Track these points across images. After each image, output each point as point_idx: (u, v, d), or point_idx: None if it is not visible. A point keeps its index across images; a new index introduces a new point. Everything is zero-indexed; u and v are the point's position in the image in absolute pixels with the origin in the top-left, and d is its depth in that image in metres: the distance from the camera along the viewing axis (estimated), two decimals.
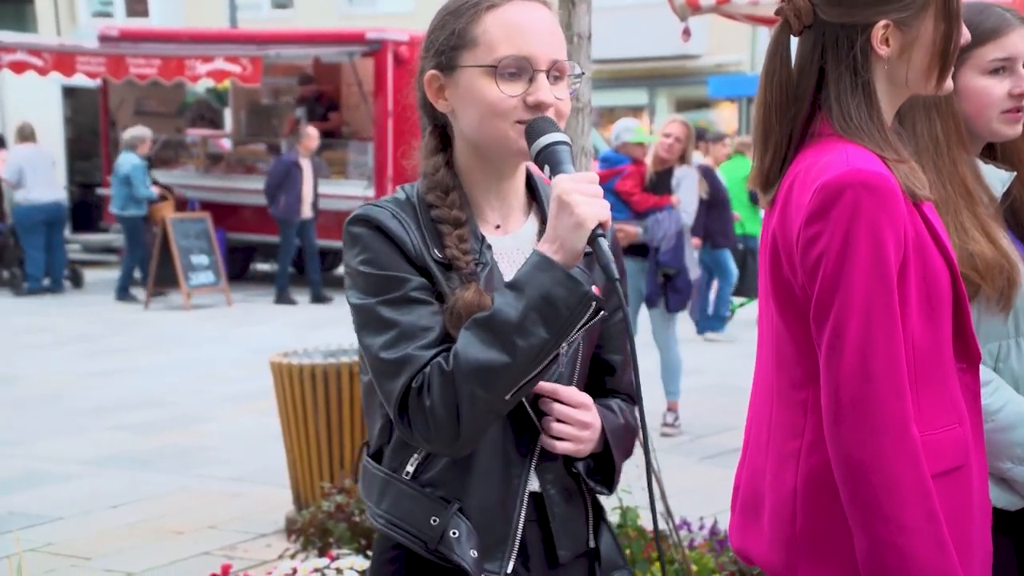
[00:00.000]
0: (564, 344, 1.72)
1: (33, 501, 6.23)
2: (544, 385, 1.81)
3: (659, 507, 4.03)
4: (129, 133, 14.59)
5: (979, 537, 1.98)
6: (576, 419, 1.82)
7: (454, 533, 1.75)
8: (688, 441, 7.33)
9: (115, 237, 17.70)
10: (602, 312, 1.73)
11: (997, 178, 2.36)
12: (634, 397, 1.99)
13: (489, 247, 1.82)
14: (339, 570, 3.80)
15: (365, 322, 1.75)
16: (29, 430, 7.82)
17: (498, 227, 1.86)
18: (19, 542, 4.68)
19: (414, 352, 1.69)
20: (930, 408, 1.89)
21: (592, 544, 1.94)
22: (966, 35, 1.99)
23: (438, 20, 1.83)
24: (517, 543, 1.82)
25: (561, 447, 1.82)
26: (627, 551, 4.31)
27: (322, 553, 4.16)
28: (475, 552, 1.75)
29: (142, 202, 14.24)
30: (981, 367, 2.14)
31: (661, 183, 7.49)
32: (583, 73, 1.89)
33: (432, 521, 1.75)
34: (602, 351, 1.97)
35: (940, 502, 1.86)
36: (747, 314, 12.82)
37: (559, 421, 1.81)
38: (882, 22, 1.90)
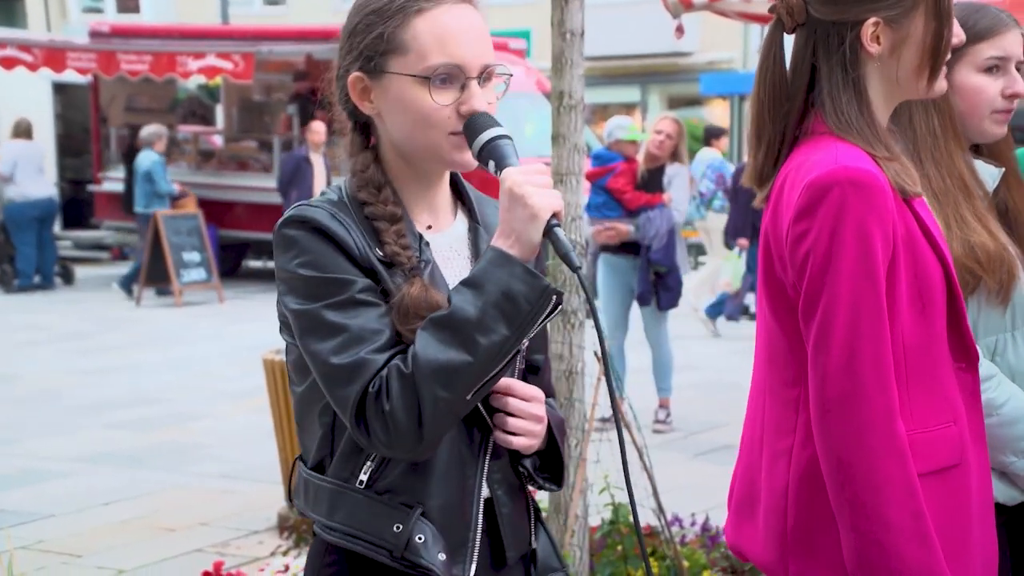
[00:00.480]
0: (525, 340, 1.70)
1: (26, 498, 6.21)
2: (513, 384, 1.80)
3: (651, 504, 4.05)
4: (146, 131, 14.51)
5: (980, 536, 1.98)
6: (530, 413, 1.79)
7: (420, 538, 1.70)
8: (681, 438, 7.33)
9: (106, 234, 17.98)
10: (561, 306, 1.70)
11: (988, 174, 2.38)
12: (554, 396, 1.98)
13: (427, 244, 1.78)
14: None
15: (310, 328, 1.68)
16: (24, 427, 7.80)
17: (430, 227, 1.82)
18: (10, 540, 4.67)
19: (367, 356, 1.64)
20: (923, 406, 1.90)
21: (533, 545, 1.91)
22: (959, 35, 2.01)
23: (361, 19, 1.76)
24: (478, 544, 1.79)
25: (517, 442, 1.79)
26: (619, 547, 4.34)
27: None
28: (443, 555, 1.72)
29: (164, 198, 14.18)
30: (983, 361, 2.15)
31: (653, 181, 7.48)
32: (512, 74, 1.85)
33: (396, 528, 1.71)
34: (527, 351, 1.92)
35: (934, 501, 1.87)
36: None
37: (511, 416, 1.78)
38: (872, 19, 1.91)
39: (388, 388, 1.62)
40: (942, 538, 1.86)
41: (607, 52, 21.80)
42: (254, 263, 17.11)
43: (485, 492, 1.80)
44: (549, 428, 1.85)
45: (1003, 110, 2.36)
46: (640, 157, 7.66)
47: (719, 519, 4.24)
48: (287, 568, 3.91)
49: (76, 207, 18.09)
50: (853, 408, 1.82)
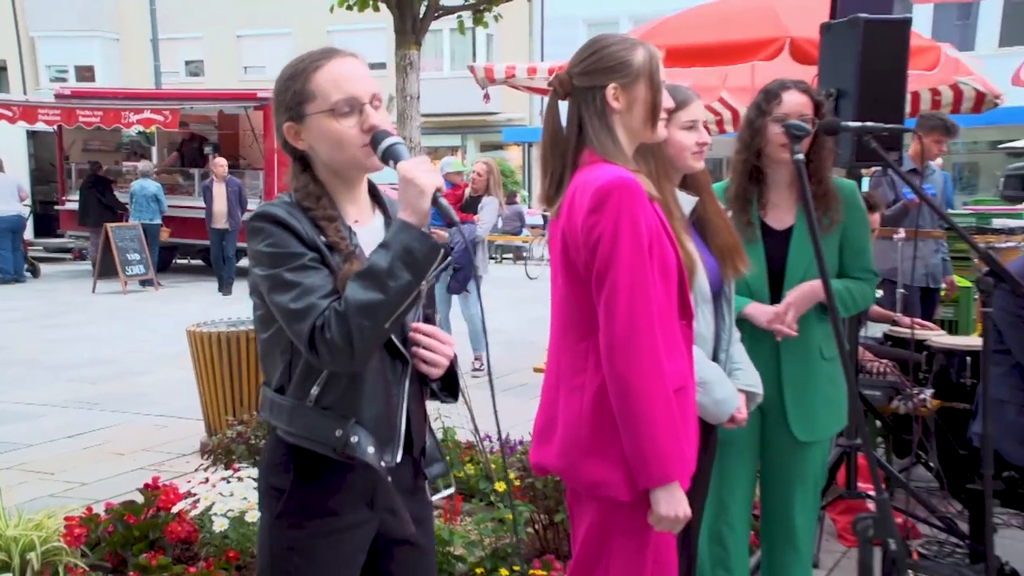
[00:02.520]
0: (424, 283, 1.69)
1: (10, 433, 5.93)
2: (424, 327, 1.82)
3: (470, 427, 4.08)
4: (144, 166, 14.51)
5: (692, 436, 2.06)
6: (444, 352, 1.82)
7: (355, 438, 1.71)
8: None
9: (68, 240, 17.57)
10: (450, 258, 1.73)
11: (686, 201, 2.44)
12: None
13: (355, 234, 1.78)
14: (240, 478, 3.72)
15: (273, 286, 1.67)
16: (8, 382, 7.42)
17: (356, 222, 1.82)
18: None
19: (315, 301, 1.64)
20: (667, 346, 1.94)
21: (427, 442, 1.93)
22: (668, 101, 2.07)
23: (281, 85, 1.76)
24: (401, 439, 1.80)
25: (434, 371, 1.82)
26: (448, 457, 4.36)
27: (227, 467, 4.06)
28: (372, 448, 1.72)
29: (155, 212, 14.00)
30: None
31: (471, 205, 7.53)
32: (392, 96, 1.87)
33: (337, 433, 1.71)
34: (425, 307, 1.95)
35: (678, 409, 1.93)
36: (530, 290, 13.03)
37: (430, 351, 1.80)
38: (612, 85, 1.98)
39: (329, 323, 1.62)
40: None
41: (437, 111, 21.75)
42: (181, 261, 16.55)
43: (406, 406, 1.81)
44: (451, 361, 1.88)
45: (697, 152, 2.45)
46: (464, 183, 7.68)
47: (516, 435, 4.31)
48: (207, 480, 3.80)
49: (46, 221, 17.54)
50: (634, 347, 1.86)
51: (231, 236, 13.11)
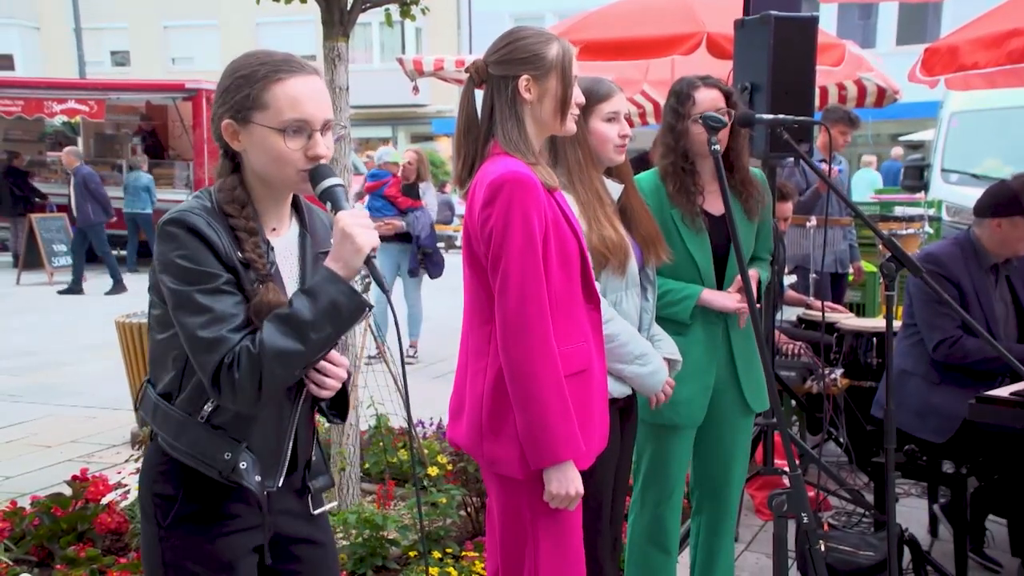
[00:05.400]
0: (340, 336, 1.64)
1: None
2: None
3: (403, 413, 4.03)
4: (136, 159, 14.10)
5: (599, 417, 2.09)
6: (339, 375, 1.74)
7: (243, 464, 1.64)
8: (423, 367, 7.36)
9: None
10: (369, 313, 1.65)
11: (614, 188, 2.47)
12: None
13: (272, 248, 1.71)
14: None
15: (181, 304, 1.56)
16: None
17: (274, 230, 1.75)
18: None
19: (226, 334, 1.55)
20: (564, 330, 1.98)
21: (313, 456, 1.88)
22: (579, 96, 2.08)
23: (232, 80, 1.66)
24: (287, 464, 1.75)
25: (325, 394, 1.74)
26: (381, 443, 4.33)
27: None
28: (259, 477, 1.67)
29: (147, 202, 13.47)
30: (606, 307, 2.25)
31: (411, 191, 7.51)
32: (346, 126, 1.80)
33: (225, 456, 1.64)
34: None
35: (573, 393, 1.96)
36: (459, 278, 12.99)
37: (323, 374, 1.72)
38: (524, 76, 1.99)
39: (239, 362, 1.54)
40: (577, 416, 1.96)
41: (367, 103, 21.49)
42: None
43: (295, 428, 1.75)
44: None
45: (620, 145, 2.44)
46: (400, 174, 7.68)
47: (448, 421, 4.30)
48: (138, 471, 3.70)
49: None
50: (524, 331, 1.89)
51: (94, 232, 11.86)
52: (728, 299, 2.72)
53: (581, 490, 1.97)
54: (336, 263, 1.60)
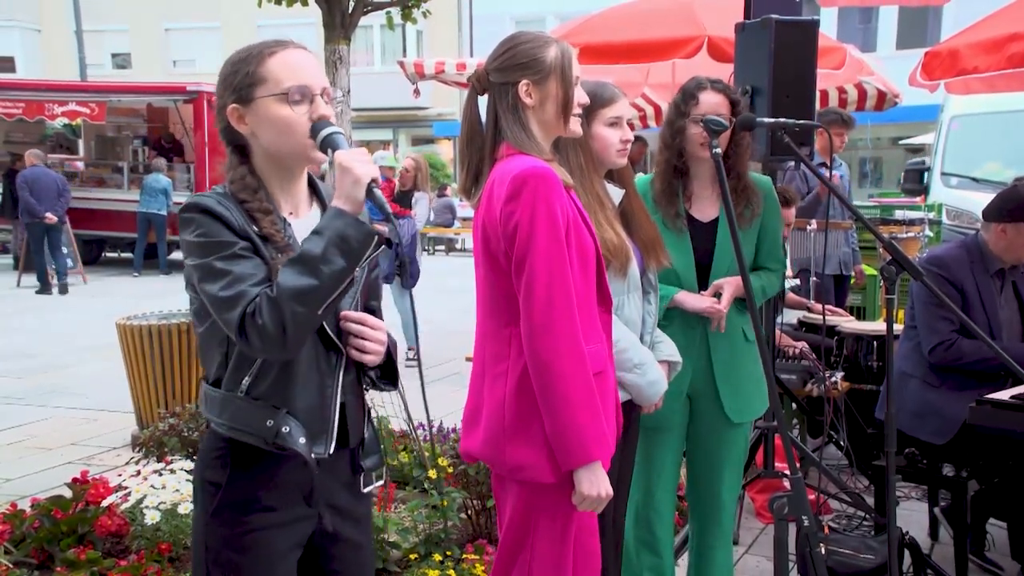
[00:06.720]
0: (357, 270, 1.65)
1: None
2: (352, 314, 1.76)
3: (403, 415, 4.05)
4: (157, 162, 14.14)
5: (612, 420, 2.06)
6: (377, 338, 1.76)
7: (286, 429, 1.66)
8: (423, 369, 7.37)
9: None
10: (383, 245, 1.68)
11: (615, 192, 2.47)
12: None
13: (289, 225, 1.74)
14: (172, 471, 3.63)
15: (204, 275, 1.60)
16: None
17: (291, 214, 1.76)
18: None
19: (246, 288, 1.58)
20: (585, 330, 1.93)
21: (365, 434, 1.89)
22: (583, 97, 2.06)
23: (229, 68, 1.71)
24: (335, 431, 1.75)
25: (366, 359, 1.76)
26: (382, 446, 4.32)
27: (160, 459, 3.96)
28: (303, 439, 1.68)
29: (164, 204, 13.71)
30: None
31: (404, 199, 7.51)
32: (345, 94, 1.82)
33: (268, 423, 1.66)
34: (367, 298, 1.89)
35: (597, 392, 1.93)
36: (459, 280, 13.00)
37: (362, 339, 1.74)
38: (524, 81, 1.98)
39: (260, 309, 1.56)
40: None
41: (368, 105, 21.52)
42: (110, 254, 16.07)
43: (340, 397, 1.76)
44: (388, 349, 1.83)
45: (622, 149, 2.45)
46: (393, 180, 7.68)
47: (450, 423, 4.30)
48: (139, 473, 3.69)
49: None
50: (552, 331, 1.85)
51: (30, 230, 12.01)
52: (700, 300, 2.72)
53: (611, 491, 1.93)
54: (339, 199, 1.63)
